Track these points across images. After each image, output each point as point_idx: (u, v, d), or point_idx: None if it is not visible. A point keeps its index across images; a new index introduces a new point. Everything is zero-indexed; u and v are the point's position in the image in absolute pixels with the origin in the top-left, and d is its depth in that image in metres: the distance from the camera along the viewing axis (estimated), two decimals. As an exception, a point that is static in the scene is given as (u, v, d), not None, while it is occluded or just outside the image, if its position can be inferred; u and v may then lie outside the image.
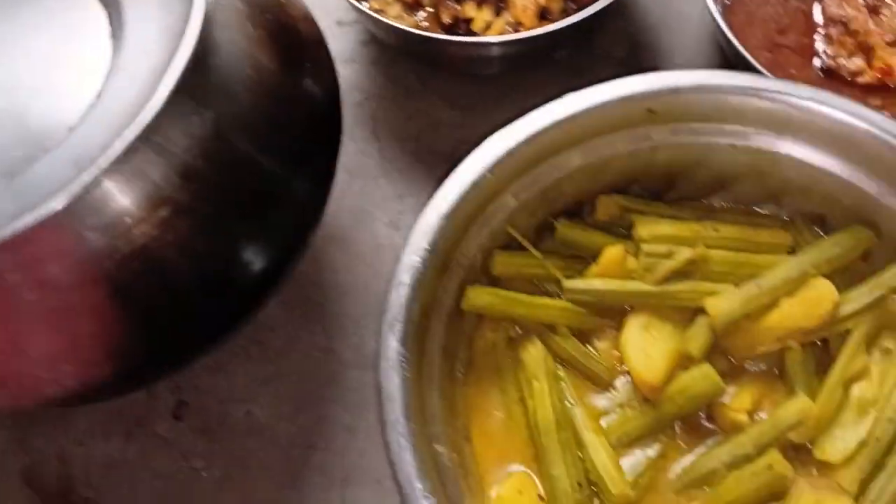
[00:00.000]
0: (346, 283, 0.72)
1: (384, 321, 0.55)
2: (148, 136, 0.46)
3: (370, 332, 0.68)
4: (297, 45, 0.59)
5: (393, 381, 0.54)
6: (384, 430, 0.53)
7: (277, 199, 0.57)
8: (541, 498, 0.58)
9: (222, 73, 0.51)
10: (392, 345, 0.55)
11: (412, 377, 0.55)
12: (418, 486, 0.51)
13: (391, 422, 0.53)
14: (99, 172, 0.45)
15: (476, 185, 0.59)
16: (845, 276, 0.62)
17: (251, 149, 0.53)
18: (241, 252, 0.56)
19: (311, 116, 0.59)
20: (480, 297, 0.61)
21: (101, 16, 0.53)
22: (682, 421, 0.60)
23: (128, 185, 0.47)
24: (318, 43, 0.61)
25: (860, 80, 0.72)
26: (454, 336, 0.61)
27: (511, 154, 0.60)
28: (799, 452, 0.58)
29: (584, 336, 0.63)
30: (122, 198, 0.48)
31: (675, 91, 0.61)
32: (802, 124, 0.60)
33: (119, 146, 0.45)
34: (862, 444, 0.56)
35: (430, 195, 0.74)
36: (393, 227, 0.74)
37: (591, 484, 0.58)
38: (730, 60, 0.75)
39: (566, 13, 0.73)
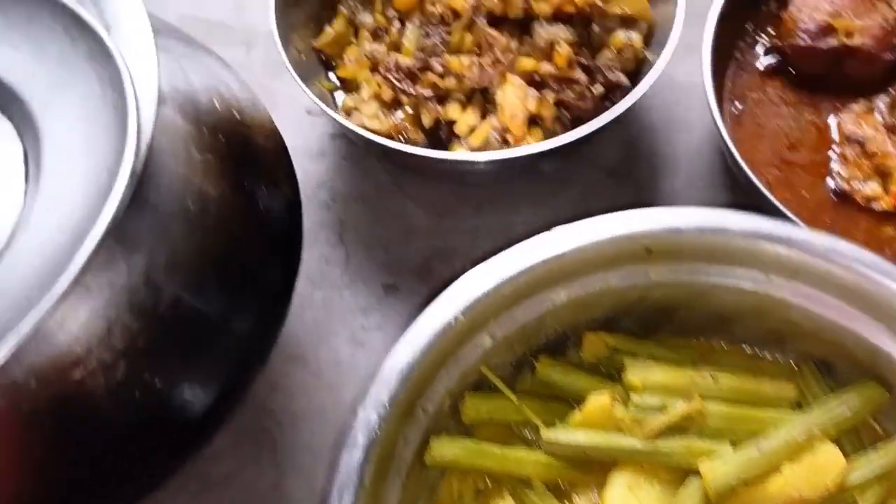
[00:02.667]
0: (302, 408, 0.64)
1: (333, 487, 0.49)
2: (67, 294, 0.39)
3: (325, 467, 0.61)
4: (252, 163, 0.52)
5: (341, 565, 0.47)
6: None
7: (215, 341, 0.50)
8: None
9: (156, 213, 0.44)
10: (341, 519, 0.48)
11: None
12: None
13: None
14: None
15: (447, 330, 0.52)
16: (851, 434, 0.56)
17: (185, 294, 0.46)
18: (177, 394, 0.50)
19: (262, 241, 0.53)
20: (446, 449, 0.54)
21: (16, 151, 0.46)
22: None
23: (46, 341, 0.42)
24: (277, 157, 0.55)
25: (875, 206, 0.66)
26: (413, 491, 0.54)
27: (489, 295, 0.53)
28: None
29: (561, 490, 0.57)
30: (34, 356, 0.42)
31: (676, 232, 0.55)
32: (816, 273, 0.54)
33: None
34: None
35: (397, 312, 0.68)
36: (356, 343, 0.66)
37: None
38: (733, 174, 0.68)
39: (559, 120, 0.67)
